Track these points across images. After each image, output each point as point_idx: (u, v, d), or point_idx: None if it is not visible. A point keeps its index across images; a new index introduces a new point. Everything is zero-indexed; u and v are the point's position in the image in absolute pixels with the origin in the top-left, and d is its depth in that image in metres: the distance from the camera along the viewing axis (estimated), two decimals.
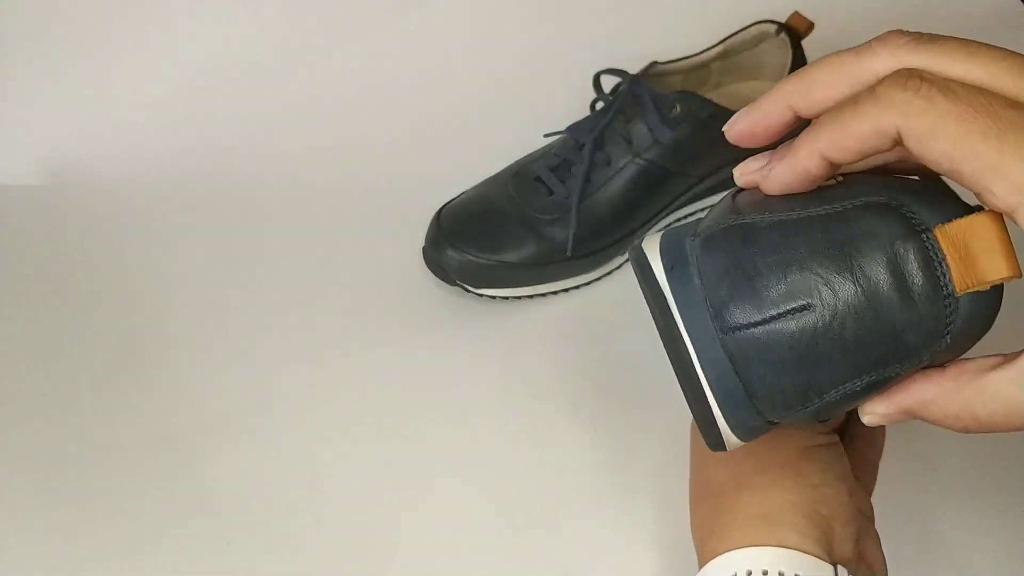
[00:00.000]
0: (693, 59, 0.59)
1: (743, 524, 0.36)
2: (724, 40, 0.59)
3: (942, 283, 0.27)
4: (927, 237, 0.28)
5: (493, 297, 0.55)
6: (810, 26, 0.57)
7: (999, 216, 0.27)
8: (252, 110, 0.68)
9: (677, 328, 0.30)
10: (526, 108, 0.65)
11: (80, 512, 0.49)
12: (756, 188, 0.31)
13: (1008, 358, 0.27)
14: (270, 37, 0.70)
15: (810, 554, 0.34)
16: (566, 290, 0.56)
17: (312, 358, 0.55)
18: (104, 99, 0.68)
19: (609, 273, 0.57)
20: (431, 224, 0.55)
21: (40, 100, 0.67)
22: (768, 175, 0.30)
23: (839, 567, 0.34)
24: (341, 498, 0.49)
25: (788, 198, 0.30)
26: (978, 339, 0.29)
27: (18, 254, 0.62)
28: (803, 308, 0.28)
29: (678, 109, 0.54)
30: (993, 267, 0.27)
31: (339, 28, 0.70)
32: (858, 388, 0.29)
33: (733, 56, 0.60)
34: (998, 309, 0.29)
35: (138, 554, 0.47)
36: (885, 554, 0.39)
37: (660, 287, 0.30)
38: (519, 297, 0.56)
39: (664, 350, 0.32)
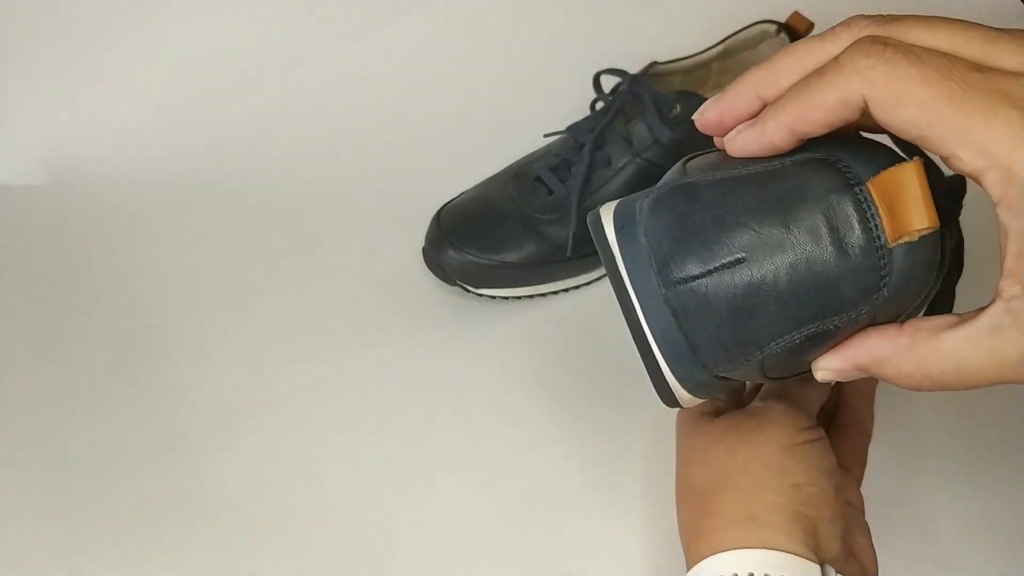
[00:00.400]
0: (693, 59, 0.59)
1: (727, 526, 0.36)
2: (724, 40, 0.59)
3: (875, 235, 0.28)
4: (860, 190, 0.28)
5: (493, 297, 0.55)
6: (810, 26, 0.57)
7: (920, 165, 0.27)
8: (252, 110, 0.68)
9: (624, 284, 0.31)
10: (526, 108, 0.65)
11: (80, 512, 0.49)
12: (706, 152, 0.32)
13: (964, 318, 0.27)
14: (270, 37, 0.70)
15: (796, 554, 0.34)
16: (566, 290, 0.56)
17: (312, 358, 0.55)
18: (104, 99, 0.68)
19: None
20: (431, 224, 0.55)
21: (40, 100, 0.67)
22: (734, 139, 0.30)
23: (826, 566, 0.34)
24: (341, 498, 0.49)
25: (733, 158, 0.31)
26: (919, 294, 0.30)
27: (18, 254, 0.62)
28: (738, 262, 0.29)
29: (678, 109, 0.54)
30: (914, 217, 0.27)
31: (339, 28, 0.70)
32: (798, 341, 0.29)
33: (733, 56, 0.60)
34: (936, 263, 0.29)
35: (138, 554, 0.47)
36: (874, 541, 0.38)
37: (609, 246, 0.32)
38: (519, 297, 0.56)
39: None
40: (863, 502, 0.40)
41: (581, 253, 0.54)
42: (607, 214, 0.33)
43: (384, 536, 0.47)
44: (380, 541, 0.47)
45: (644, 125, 0.54)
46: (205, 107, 0.67)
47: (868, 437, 0.43)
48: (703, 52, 0.59)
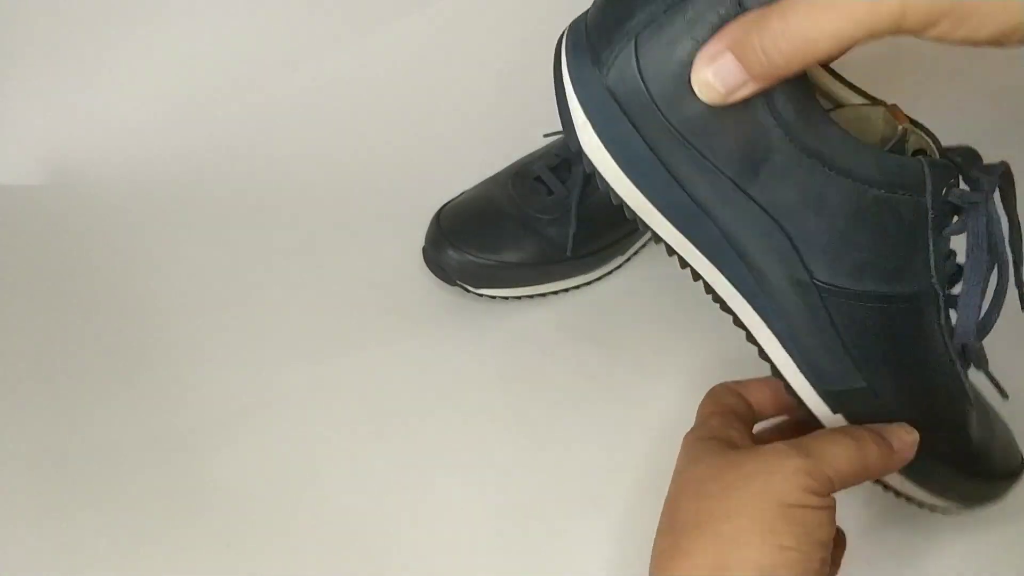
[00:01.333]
0: None
1: (694, 572, 0.33)
2: None
3: None
4: None
5: (493, 297, 0.55)
6: None
7: None
8: (252, 110, 0.68)
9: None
10: (526, 108, 0.65)
11: (80, 512, 0.49)
12: None
13: None
14: (270, 37, 0.70)
15: None
16: (566, 290, 0.56)
17: (312, 358, 0.55)
18: (104, 99, 0.68)
19: (609, 273, 0.57)
20: (431, 224, 0.55)
21: (40, 100, 0.67)
22: None
23: None
24: (341, 498, 0.49)
25: None
26: None
27: (18, 254, 0.62)
28: None
29: None
30: None
31: (339, 28, 0.70)
32: (663, 10, 0.31)
33: None
34: None
35: (138, 554, 0.47)
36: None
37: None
38: (519, 297, 0.56)
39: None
40: None
41: (581, 253, 0.54)
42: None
43: (384, 536, 0.47)
44: (380, 541, 0.47)
45: None
46: (205, 107, 0.67)
47: (842, 547, 0.40)
48: None
